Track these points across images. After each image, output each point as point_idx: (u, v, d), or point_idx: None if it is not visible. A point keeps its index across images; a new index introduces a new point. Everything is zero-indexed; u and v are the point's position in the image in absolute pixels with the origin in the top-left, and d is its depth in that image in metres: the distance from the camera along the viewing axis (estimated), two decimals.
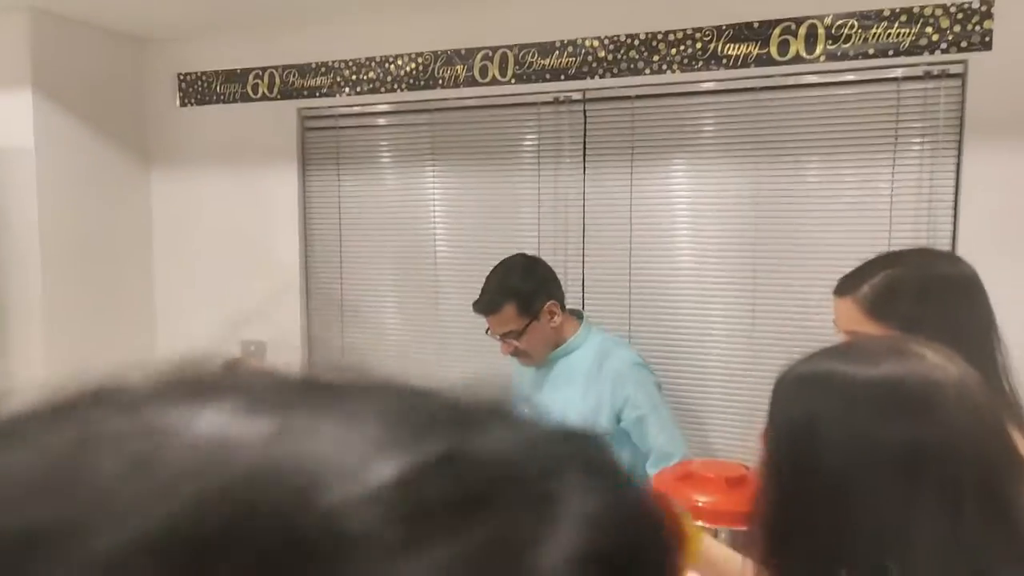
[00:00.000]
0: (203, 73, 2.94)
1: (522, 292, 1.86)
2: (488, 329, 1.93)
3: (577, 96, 2.44)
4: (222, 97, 2.92)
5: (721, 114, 2.29)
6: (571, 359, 1.93)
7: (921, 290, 1.15)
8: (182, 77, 2.98)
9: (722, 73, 2.24)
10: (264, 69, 2.84)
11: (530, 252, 2.52)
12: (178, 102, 2.99)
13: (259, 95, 2.86)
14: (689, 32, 2.26)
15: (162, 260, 3.08)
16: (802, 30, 2.14)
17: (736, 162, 2.27)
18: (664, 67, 2.30)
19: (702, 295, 2.35)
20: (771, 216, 2.25)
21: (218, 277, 2.98)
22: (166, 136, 3.03)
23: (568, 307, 2.03)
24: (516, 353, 1.92)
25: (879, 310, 1.15)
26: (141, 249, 3.03)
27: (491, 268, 2.00)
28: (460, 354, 2.61)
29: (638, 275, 2.41)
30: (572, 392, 1.87)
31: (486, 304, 1.89)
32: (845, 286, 1.22)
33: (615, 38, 2.35)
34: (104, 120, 2.83)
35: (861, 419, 0.69)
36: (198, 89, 2.96)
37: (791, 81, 2.19)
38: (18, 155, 2.56)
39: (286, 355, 2.89)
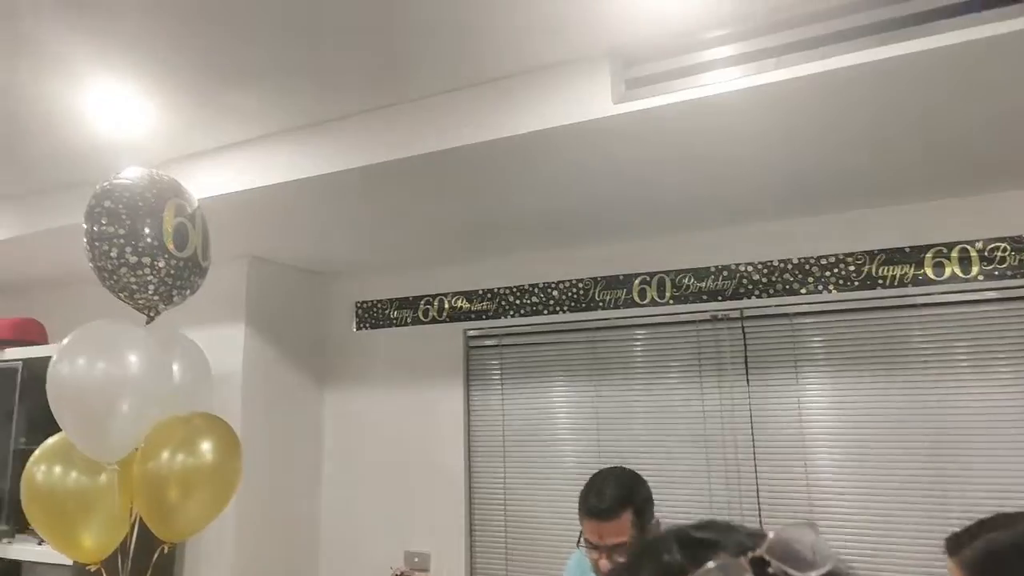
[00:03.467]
0: (378, 301, 3.32)
1: (638, 501, 1.76)
2: (584, 537, 1.75)
3: (735, 314, 2.63)
4: (394, 321, 3.27)
5: (884, 328, 2.42)
6: None
7: (1019, 556, 1.12)
8: (359, 304, 3.36)
9: (878, 292, 2.41)
10: (434, 296, 3.19)
11: (698, 462, 2.60)
12: (354, 327, 3.36)
13: (429, 319, 3.19)
14: (841, 257, 2.48)
15: (332, 467, 3.27)
16: (955, 253, 2.32)
17: (907, 372, 2.36)
18: (820, 287, 2.49)
19: (882, 507, 2.32)
20: (952, 429, 2.28)
21: (384, 485, 3.13)
22: (342, 356, 3.36)
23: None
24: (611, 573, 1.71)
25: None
26: (314, 457, 3.24)
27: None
28: None
29: (816, 484, 2.42)
30: None
31: (605, 508, 1.71)
32: (951, 545, 1.20)
33: (768, 263, 2.59)
34: (293, 344, 3.19)
35: None
36: (373, 315, 3.32)
37: (951, 298, 2.33)
38: (230, 378, 2.90)
39: (449, 567, 2.92)
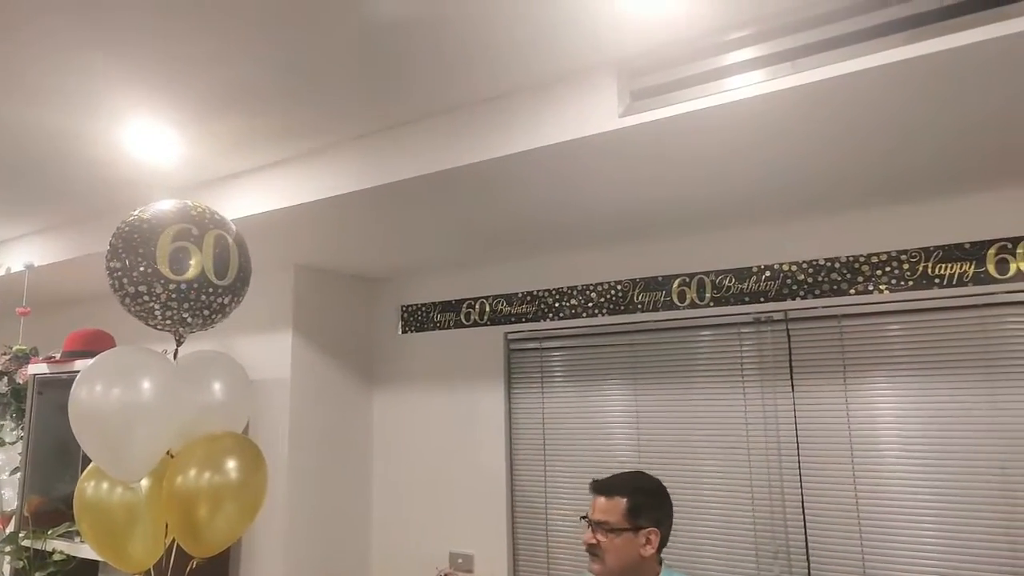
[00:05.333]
0: (423, 304, 3.36)
1: (640, 499, 1.84)
2: (586, 515, 1.90)
3: (779, 316, 2.51)
4: (438, 324, 3.30)
5: (941, 331, 2.25)
6: None
7: None
8: (404, 308, 3.41)
9: (935, 292, 2.24)
10: (476, 299, 3.20)
11: (740, 471, 2.50)
12: (399, 330, 3.41)
13: (471, 322, 3.20)
14: (893, 254, 2.31)
15: (380, 466, 3.35)
16: (1021, 249, 2.12)
17: (967, 378, 2.19)
18: (871, 287, 2.34)
19: (940, 524, 2.17)
20: (1019, 440, 2.10)
21: (429, 486, 3.18)
22: (388, 359, 3.42)
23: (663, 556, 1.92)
24: (592, 550, 1.85)
25: None
26: (362, 459, 3.33)
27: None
28: None
29: (865, 491, 2.29)
30: None
31: (604, 484, 1.89)
32: None
33: (814, 262, 2.45)
34: (339, 349, 3.27)
35: None
36: (418, 318, 3.36)
37: (1016, 298, 2.14)
38: (278, 384, 3.00)
39: (492, 569, 2.94)
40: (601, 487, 1.88)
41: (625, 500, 1.82)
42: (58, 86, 1.73)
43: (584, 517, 1.89)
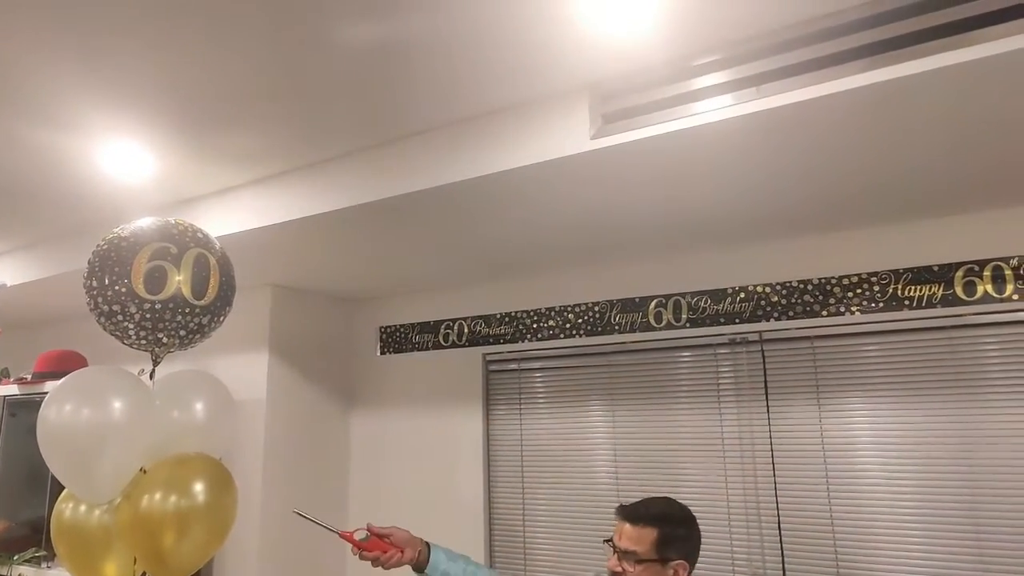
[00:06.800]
0: (401, 325, 3.35)
1: (670, 530, 1.71)
2: (611, 539, 1.77)
3: (754, 337, 2.53)
4: (416, 345, 3.29)
5: (912, 351, 2.28)
6: None
7: None
8: (383, 329, 3.40)
9: (905, 313, 2.27)
10: (454, 320, 3.20)
11: (717, 490, 2.50)
12: (378, 351, 3.40)
13: (449, 343, 3.19)
14: (864, 276, 2.35)
15: (357, 489, 3.31)
16: (987, 271, 2.17)
17: (938, 399, 2.22)
18: (843, 309, 2.37)
19: (910, 541, 2.18)
20: (986, 459, 2.12)
21: (406, 508, 3.15)
22: (366, 381, 3.40)
23: None
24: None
25: None
26: (339, 481, 3.29)
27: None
28: None
29: (839, 508, 2.29)
30: None
31: (633, 511, 1.75)
32: None
33: (787, 284, 2.48)
34: (317, 370, 3.25)
35: None
36: (396, 339, 3.35)
37: (984, 319, 2.18)
38: (254, 405, 2.97)
39: None
40: (629, 514, 1.73)
41: (656, 531, 1.69)
42: (33, 100, 1.72)
43: (608, 541, 1.76)
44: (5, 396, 3.14)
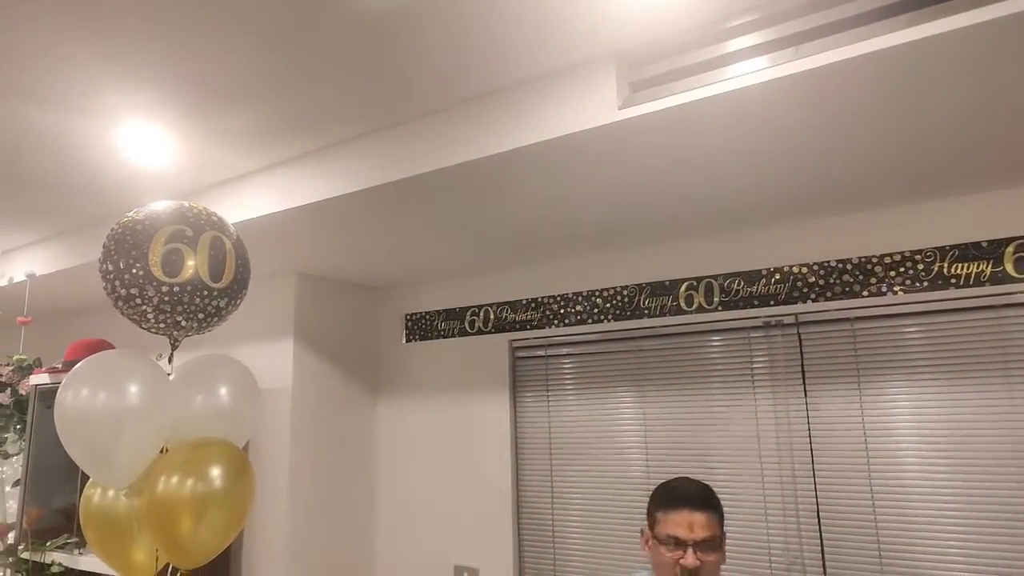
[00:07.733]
0: (427, 313, 3.31)
1: (721, 510, 1.66)
2: (666, 534, 1.61)
3: (789, 320, 2.44)
4: (442, 332, 3.25)
5: (958, 332, 2.17)
6: None
7: None
8: (408, 317, 3.37)
9: (951, 292, 2.16)
10: (480, 307, 3.15)
11: (752, 479, 2.42)
12: (403, 339, 3.36)
13: (475, 329, 3.15)
14: (907, 254, 2.24)
15: (384, 477, 3.29)
16: None
17: (986, 383, 2.11)
18: (884, 289, 2.26)
19: (959, 531, 2.08)
20: None
21: (433, 497, 3.11)
22: (391, 369, 3.37)
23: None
24: (695, 574, 1.58)
25: None
26: (365, 470, 3.26)
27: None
28: None
29: (882, 498, 2.20)
30: None
31: (701, 497, 1.62)
32: None
33: (825, 264, 2.38)
34: (342, 358, 3.23)
35: None
36: (422, 326, 3.32)
37: None
38: (280, 393, 2.96)
39: None
40: (700, 501, 1.61)
41: (718, 511, 1.63)
42: (53, 87, 1.71)
43: (677, 539, 1.60)
44: (37, 385, 3.17)
